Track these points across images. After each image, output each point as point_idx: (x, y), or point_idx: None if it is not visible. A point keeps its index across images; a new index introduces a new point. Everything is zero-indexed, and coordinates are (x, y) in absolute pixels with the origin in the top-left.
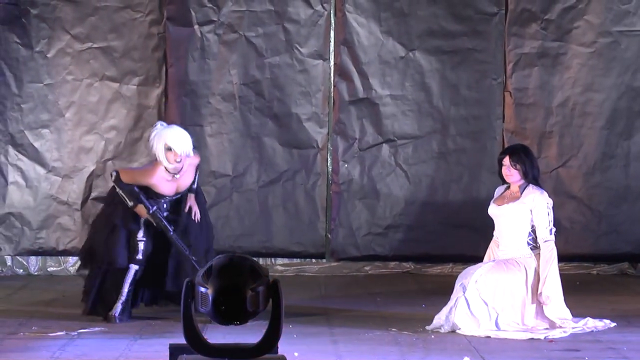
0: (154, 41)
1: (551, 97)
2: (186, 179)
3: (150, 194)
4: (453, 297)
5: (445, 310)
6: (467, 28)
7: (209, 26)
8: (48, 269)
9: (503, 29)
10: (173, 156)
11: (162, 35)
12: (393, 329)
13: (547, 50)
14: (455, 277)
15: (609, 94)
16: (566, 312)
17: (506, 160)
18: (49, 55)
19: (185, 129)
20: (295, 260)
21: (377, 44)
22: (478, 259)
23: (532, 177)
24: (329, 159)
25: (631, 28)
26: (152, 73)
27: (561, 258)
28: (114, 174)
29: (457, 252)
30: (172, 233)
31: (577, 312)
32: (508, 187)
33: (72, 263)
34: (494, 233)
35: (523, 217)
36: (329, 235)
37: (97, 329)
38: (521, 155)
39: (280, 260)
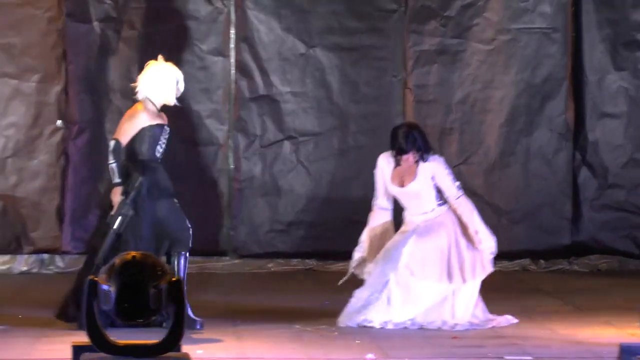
0: (53, 38)
1: (451, 94)
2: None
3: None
4: (371, 288)
5: (358, 302)
6: (367, 25)
7: (108, 23)
8: None
9: (403, 26)
10: (178, 90)
11: (61, 32)
12: (297, 326)
13: (447, 47)
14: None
15: (509, 91)
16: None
17: (413, 154)
18: None
19: (86, 127)
20: (197, 258)
21: (277, 41)
22: None
23: (425, 149)
24: (230, 156)
25: (530, 25)
26: (52, 70)
27: None
28: (113, 142)
29: None
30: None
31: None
32: (398, 162)
33: None
34: (377, 203)
35: (427, 187)
36: (231, 233)
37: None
38: (424, 142)
39: None
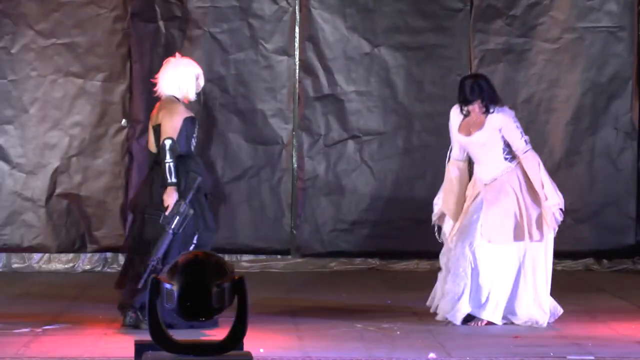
0: (119, 37)
1: (516, 93)
2: None
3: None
4: (456, 278)
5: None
6: (432, 24)
7: (174, 22)
8: (12, 266)
9: (468, 25)
10: (198, 85)
11: (126, 31)
12: (359, 325)
13: (512, 46)
14: (421, 274)
15: (574, 90)
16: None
17: (478, 104)
18: (12, 51)
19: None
20: (260, 257)
21: (342, 40)
22: None
23: (493, 101)
24: (294, 155)
25: (596, 24)
26: (117, 69)
27: None
28: (169, 141)
29: (422, 248)
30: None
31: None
32: (466, 113)
33: (36, 259)
34: (452, 155)
35: (494, 139)
36: (294, 232)
37: (62, 325)
38: (489, 92)
39: (245, 257)
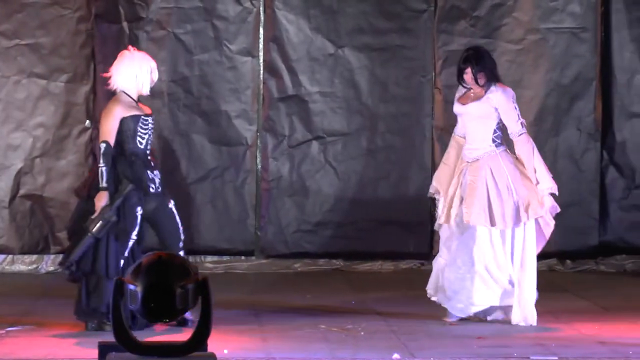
0: (82, 38)
1: None
2: None
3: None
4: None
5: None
6: (396, 25)
7: (138, 23)
8: None
9: (432, 26)
10: (152, 80)
11: (90, 32)
12: (323, 326)
13: None
14: (385, 274)
15: (537, 91)
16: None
17: (468, 71)
18: None
19: None
20: (224, 258)
21: (306, 41)
22: (407, 255)
23: (496, 76)
24: (258, 156)
25: (559, 25)
26: (80, 70)
27: None
28: (103, 145)
29: (387, 249)
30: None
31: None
32: (464, 82)
33: (0, 260)
34: (455, 130)
35: (488, 115)
36: (258, 233)
37: (25, 327)
38: (482, 62)
39: (209, 258)
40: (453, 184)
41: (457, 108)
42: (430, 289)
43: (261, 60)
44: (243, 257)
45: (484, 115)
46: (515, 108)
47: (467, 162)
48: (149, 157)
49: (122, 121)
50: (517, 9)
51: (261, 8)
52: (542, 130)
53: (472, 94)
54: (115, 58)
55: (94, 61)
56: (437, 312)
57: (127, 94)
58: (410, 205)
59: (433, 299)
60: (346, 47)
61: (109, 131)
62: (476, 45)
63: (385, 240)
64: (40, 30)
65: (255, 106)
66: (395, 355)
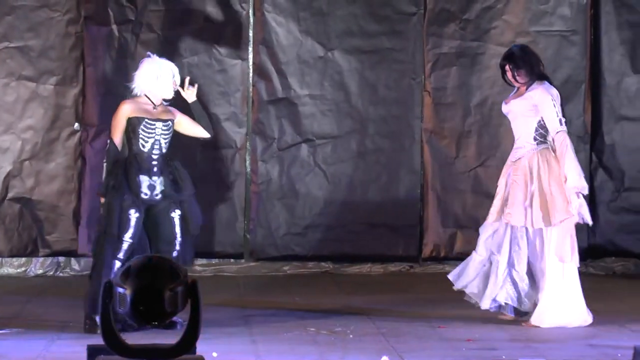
0: (72, 40)
1: (470, 97)
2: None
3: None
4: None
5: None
6: (386, 28)
7: (127, 25)
8: None
9: (422, 29)
10: (175, 83)
11: (79, 35)
12: (312, 329)
13: (466, 50)
14: (374, 277)
15: None
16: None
17: (507, 69)
18: None
19: (103, 129)
20: (213, 261)
21: (295, 44)
22: (397, 258)
23: (537, 73)
24: (247, 159)
25: (549, 28)
26: (70, 72)
27: None
28: (108, 142)
29: (376, 252)
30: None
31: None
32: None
33: None
34: None
35: (528, 112)
36: (248, 235)
37: (14, 329)
38: (521, 60)
39: (199, 261)
40: (501, 184)
41: (503, 107)
42: (454, 275)
43: (251, 63)
44: (232, 260)
45: (525, 113)
46: (555, 106)
47: (512, 161)
48: (154, 162)
49: (129, 121)
50: (507, 11)
51: (250, 11)
52: None
53: (517, 93)
54: (104, 61)
55: (84, 64)
56: (440, 312)
57: (148, 97)
58: (399, 208)
59: (455, 288)
60: (336, 49)
61: (115, 129)
62: (520, 43)
63: (374, 242)
64: (29, 33)
65: (244, 109)
66: (384, 358)
